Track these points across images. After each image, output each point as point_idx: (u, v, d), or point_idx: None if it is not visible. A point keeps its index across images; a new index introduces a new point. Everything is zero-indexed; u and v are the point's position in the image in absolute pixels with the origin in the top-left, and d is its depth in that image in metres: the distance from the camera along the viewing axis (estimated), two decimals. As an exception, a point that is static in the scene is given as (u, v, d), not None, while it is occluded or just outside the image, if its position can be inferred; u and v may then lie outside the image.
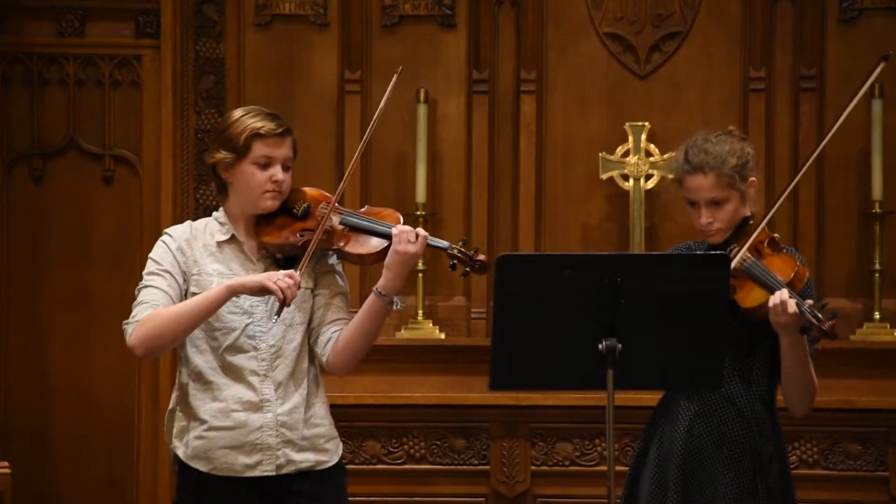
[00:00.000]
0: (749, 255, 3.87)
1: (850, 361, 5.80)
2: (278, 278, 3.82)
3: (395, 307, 3.98)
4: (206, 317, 3.88)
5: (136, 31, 6.16)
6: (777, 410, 4.01)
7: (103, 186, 6.17)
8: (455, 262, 3.96)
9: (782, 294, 3.75)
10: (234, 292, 3.87)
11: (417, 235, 3.92)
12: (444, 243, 3.97)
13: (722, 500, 3.93)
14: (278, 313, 3.86)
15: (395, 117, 6.08)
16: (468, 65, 6.13)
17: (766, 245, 3.93)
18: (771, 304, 3.76)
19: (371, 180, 6.10)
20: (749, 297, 3.78)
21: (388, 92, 4.08)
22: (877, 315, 5.88)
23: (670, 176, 4.23)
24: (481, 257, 3.95)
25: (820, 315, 3.74)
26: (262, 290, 3.85)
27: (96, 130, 6.16)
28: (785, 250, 3.97)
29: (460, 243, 3.97)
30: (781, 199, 4.09)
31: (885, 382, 5.78)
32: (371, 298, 3.96)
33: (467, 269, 3.96)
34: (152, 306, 3.90)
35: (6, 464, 5.56)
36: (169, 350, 4.00)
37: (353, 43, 6.12)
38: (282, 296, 3.81)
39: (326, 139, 6.10)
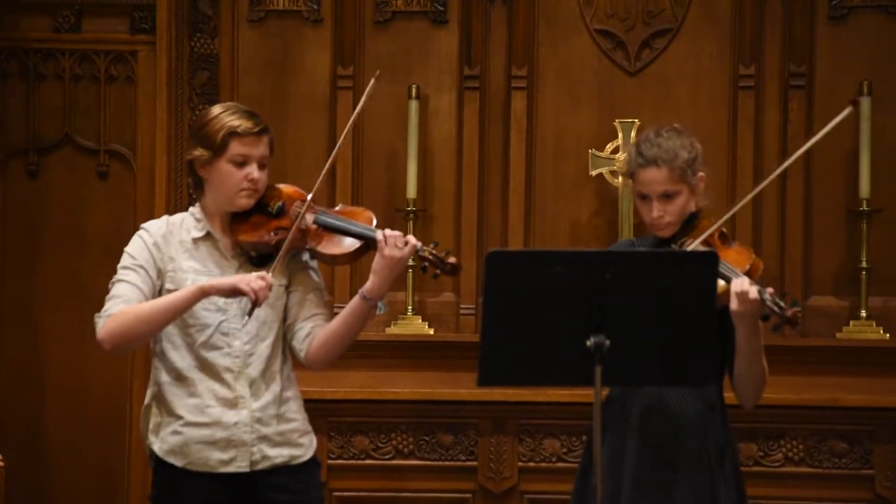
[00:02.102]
0: (704, 248, 3.93)
1: (837, 359, 5.81)
2: (250, 280, 3.85)
3: (378, 311, 4.00)
4: (176, 316, 3.91)
5: (131, 26, 6.18)
6: (725, 403, 4.05)
7: (98, 181, 6.19)
8: (426, 264, 3.98)
9: (743, 282, 3.81)
10: (205, 293, 3.90)
11: (407, 242, 3.94)
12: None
13: (682, 492, 3.97)
14: (249, 314, 3.89)
15: (386, 113, 6.10)
16: (459, 61, 6.14)
17: (716, 238, 3.99)
18: (733, 291, 3.80)
19: (362, 176, 6.11)
20: None
21: (364, 96, 4.11)
22: (863, 313, 5.88)
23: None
24: (452, 260, 3.98)
25: (781, 303, 3.79)
26: (233, 292, 3.88)
27: (91, 126, 6.18)
28: (734, 243, 4.04)
29: (431, 245, 3.99)
30: (741, 205, 4.14)
31: (872, 380, 5.77)
32: (356, 300, 3.98)
33: (438, 271, 3.98)
34: (124, 301, 3.94)
35: (0, 457, 5.57)
36: (138, 346, 4.03)
37: (345, 39, 6.13)
38: (254, 297, 3.84)
39: (319, 135, 6.12)
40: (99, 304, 6.06)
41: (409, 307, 5.98)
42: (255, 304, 3.86)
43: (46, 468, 6.11)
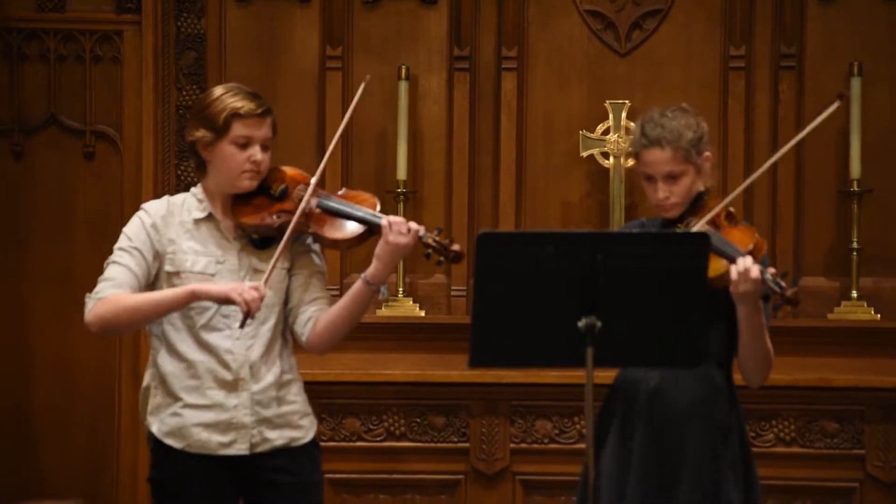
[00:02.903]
0: (708, 227, 3.92)
1: (828, 340, 5.83)
2: (244, 290, 3.84)
3: (381, 296, 4.00)
4: (163, 314, 3.93)
5: (116, 6, 6.14)
6: (734, 384, 4.05)
7: (84, 162, 6.16)
8: (430, 251, 3.97)
9: (745, 262, 3.81)
10: (196, 298, 3.90)
11: (409, 228, 3.92)
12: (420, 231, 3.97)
13: (687, 476, 3.96)
14: (241, 325, 3.87)
15: (376, 94, 6.07)
16: (449, 42, 6.12)
17: (722, 218, 3.99)
18: (734, 271, 3.80)
19: (352, 158, 6.10)
20: (710, 267, 3.80)
21: (355, 99, 4.12)
22: (854, 294, 5.90)
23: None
24: (456, 247, 3.96)
25: (782, 282, 3.78)
26: (226, 301, 3.87)
27: (77, 106, 6.14)
28: (740, 223, 4.02)
29: (435, 232, 3.97)
30: (742, 188, 4.13)
31: (863, 361, 5.80)
32: (358, 285, 3.97)
33: (441, 258, 3.97)
34: (116, 285, 3.93)
35: (-13, 440, 5.57)
36: (124, 334, 4.00)
37: (334, 19, 6.11)
38: (246, 308, 3.83)
39: (307, 116, 6.10)
40: (85, 285, 6.00)
41: (400, 289, 5.97)
42: (248, 315, 3.84)
43: (34, 450, 6.09)
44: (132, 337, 5.97)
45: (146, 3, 6.06)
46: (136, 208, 5.87)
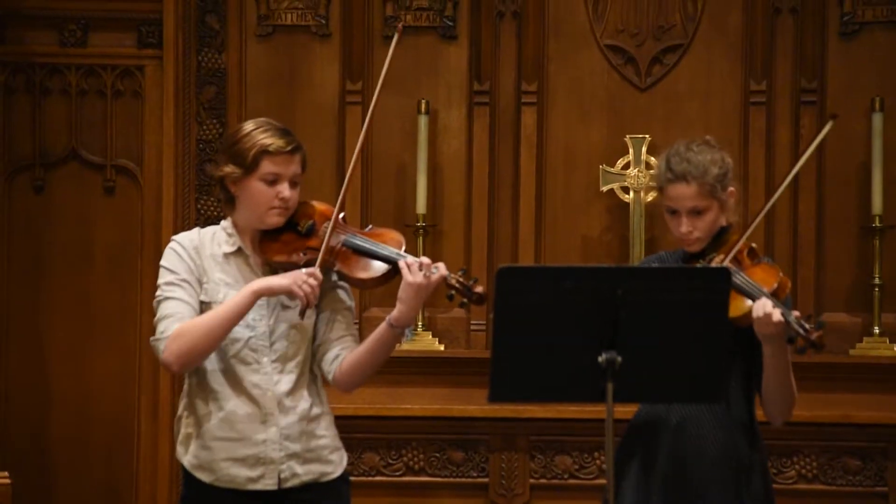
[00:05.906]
0: (731, 266, 3.88)
1: (850, 376, 5.81)
2: (301, 282, 3.83)
3: (406, 338, 3.96)
4: (236, 322, 3.87)
5: (138, 41, 6.16)
6: (756, 420, 4.01)
7: (105, 197, 6.17)
8: (453, 292, 3.93)
9: (766, 305, 3.75)
10: (259, 296, 3.87)
11: (431, 270, 3.89)
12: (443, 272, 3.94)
13: None
14: (302, 315, 3.86)
15: (395, 128, 6.08)
16: (469, 76, 6.13)
17: (745, 255, 3.94)
18: (755, 315, 3.76)
19: (371, 191, 6.10)
20: (732, 306, 3.75)
21: (390, 51, 4.10)
22: (876, 330, 5.88)
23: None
24: (479, 289, 3.92)
25: (807, 325, 3.74)
26: (289, 293, 3.87)
27: (98, 140, 6.16)
28: (765, 260, 3.99)
29: (459, 273, 3.93)
30: (760, 216, 4.08)
31: (885, 397, 5.78)
32: (382, 328, 3.94)
33: (465, 300, 3.93)
34: (178, 319, 3.88)
35: (6, 474, 5.55)
36: (203, 361, 3.96)
37: (354, 54, 6.12)
38: (305, 301, 3.82)
39: (327, 150, 6.10)
40: (104, 319, 6.12)
41: (420, 323, 5.95)
42: (308, 306, 3.84)
43: (53, 484, 6.08)
44: (151, 368, 5.97)
45: (167, 38, 6.09)
46: (156, 242, 5.99)
